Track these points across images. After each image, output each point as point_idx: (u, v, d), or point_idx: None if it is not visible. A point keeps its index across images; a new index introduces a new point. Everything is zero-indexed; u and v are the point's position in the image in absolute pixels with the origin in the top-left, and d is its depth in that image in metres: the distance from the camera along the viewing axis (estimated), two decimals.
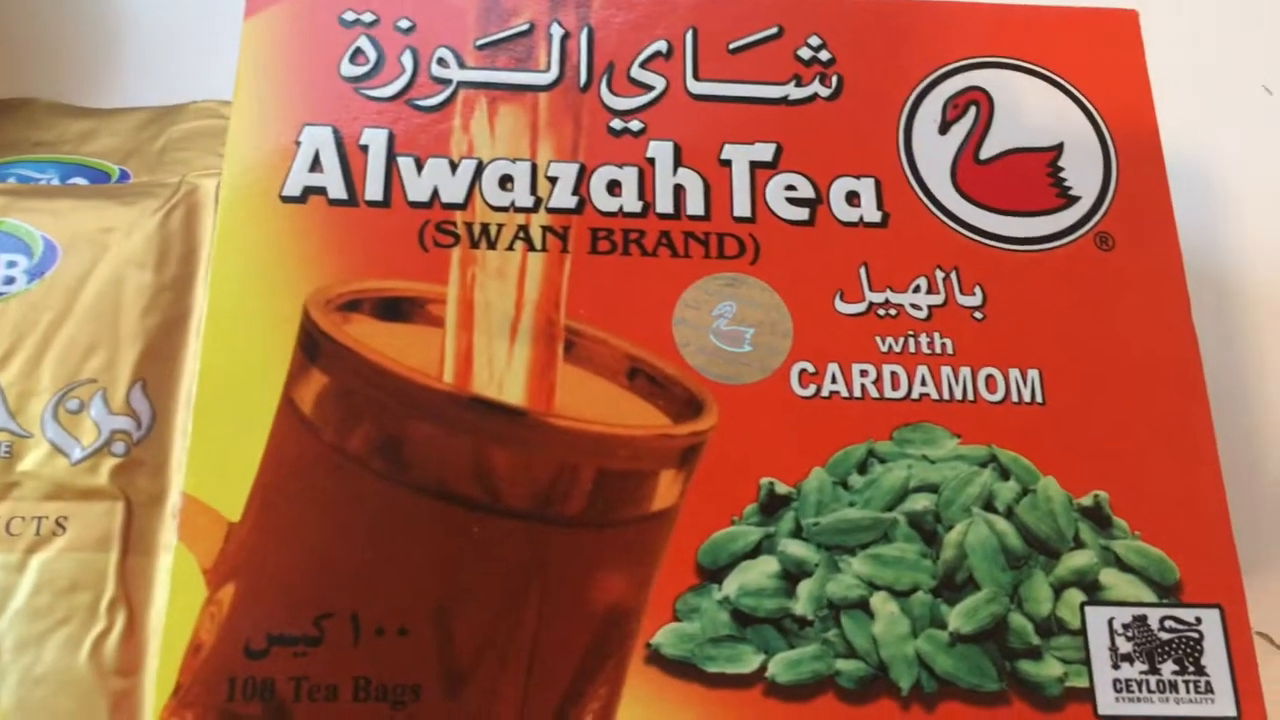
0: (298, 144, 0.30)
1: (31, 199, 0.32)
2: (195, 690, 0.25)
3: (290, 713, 0.25)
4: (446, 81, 0.31)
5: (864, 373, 0.29)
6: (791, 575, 0.27)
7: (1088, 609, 0.27)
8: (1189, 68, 0.42)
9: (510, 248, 0.29)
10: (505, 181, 0.30)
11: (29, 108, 0.40)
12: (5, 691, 0.27)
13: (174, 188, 0.33)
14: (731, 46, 0.32)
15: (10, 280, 0.31)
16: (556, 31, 0.31)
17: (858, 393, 0.28)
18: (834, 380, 0.29)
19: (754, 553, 0.27)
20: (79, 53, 0.42)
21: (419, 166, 0.30)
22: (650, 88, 0.31)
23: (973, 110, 0.32)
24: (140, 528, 0.29)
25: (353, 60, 0.31)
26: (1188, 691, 0.26)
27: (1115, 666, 0.26)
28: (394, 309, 0.28)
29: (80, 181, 0.37)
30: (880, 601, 0.27)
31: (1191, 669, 0.27)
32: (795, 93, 0.31)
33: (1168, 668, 0.27)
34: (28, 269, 0.31)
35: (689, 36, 0.32)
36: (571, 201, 0.30)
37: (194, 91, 0.40)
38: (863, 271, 0.30)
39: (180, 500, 0.26)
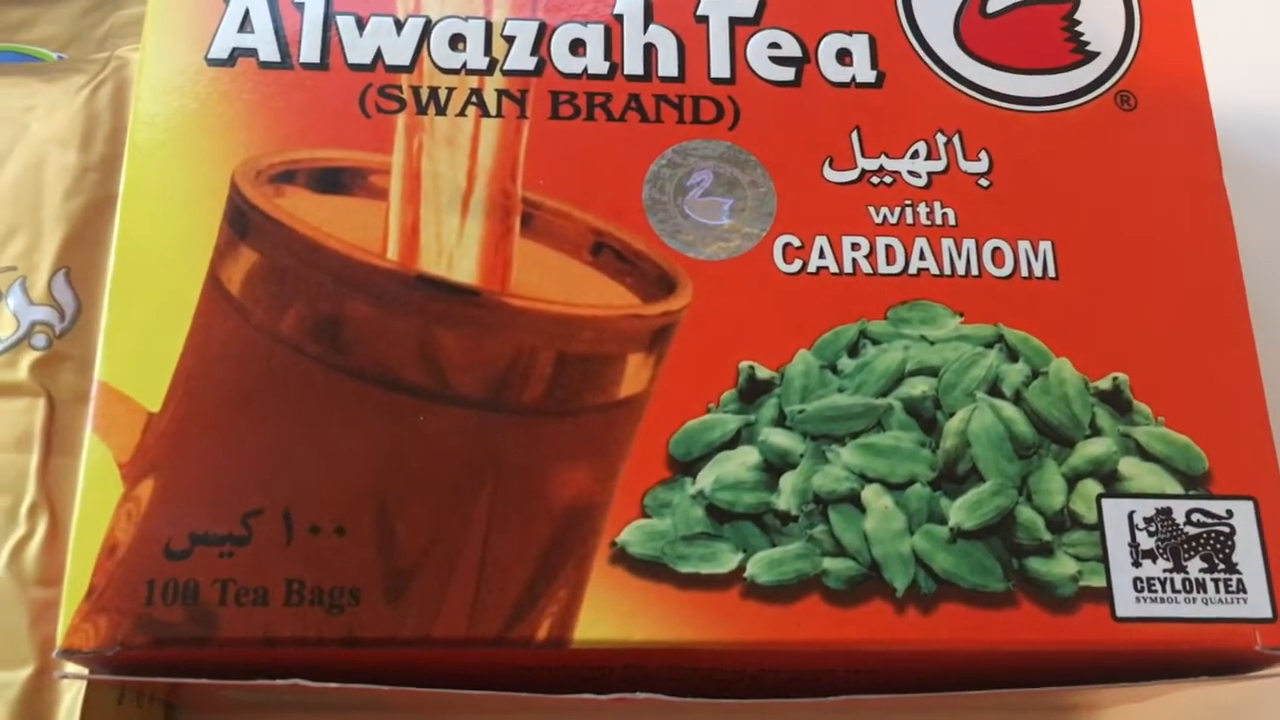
0: (225, 2, 0.27)
1: None
2: (110, 594, 0.22)
3: (215, 617, 0.22)
4: None
5: (855, 246, 0.26)
6: (774, 467, 0.24)
7: (1105, 501, 0.24)
8: None
9: (462, 113, 0.26)
10: (456, 41, 0.27)
11: None
12: None
13: (102, 63, 0.30)
14: None
15: None
16: None
17: (848, 268, 0.26)
18: (822, 255, 0.26)
19: (732, 443, 0.24)
20: None
21: (360, 26, 0.27)
22: None
23: None
24: (63, 427, 0.27)
25: None
26: (1217, 591, 0.24)
27: (1136, 564, 0.24)
28: (332, 181, 0.26)
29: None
30: (873, 495, 0.24)
31: (1222, 566, 0.24)
32: None
33: (1195, 565, 0.24)
34: None
35: None
36: (530, 63, 0.27)
37: None
38: (854, 136, 0.27)
39: (95, 389, 0.24)
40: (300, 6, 0.27)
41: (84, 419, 0.27)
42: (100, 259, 0.28)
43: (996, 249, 0.26)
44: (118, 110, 0.29)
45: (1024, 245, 0.26)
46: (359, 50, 0.27)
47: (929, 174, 0.26)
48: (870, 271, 0.26)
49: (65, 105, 0.29)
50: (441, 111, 0.26)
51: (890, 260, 0.26)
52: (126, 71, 0.30)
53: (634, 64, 0.27)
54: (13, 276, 0.27)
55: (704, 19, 0.28)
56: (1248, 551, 0.24)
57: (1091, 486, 0.24)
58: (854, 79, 0.27)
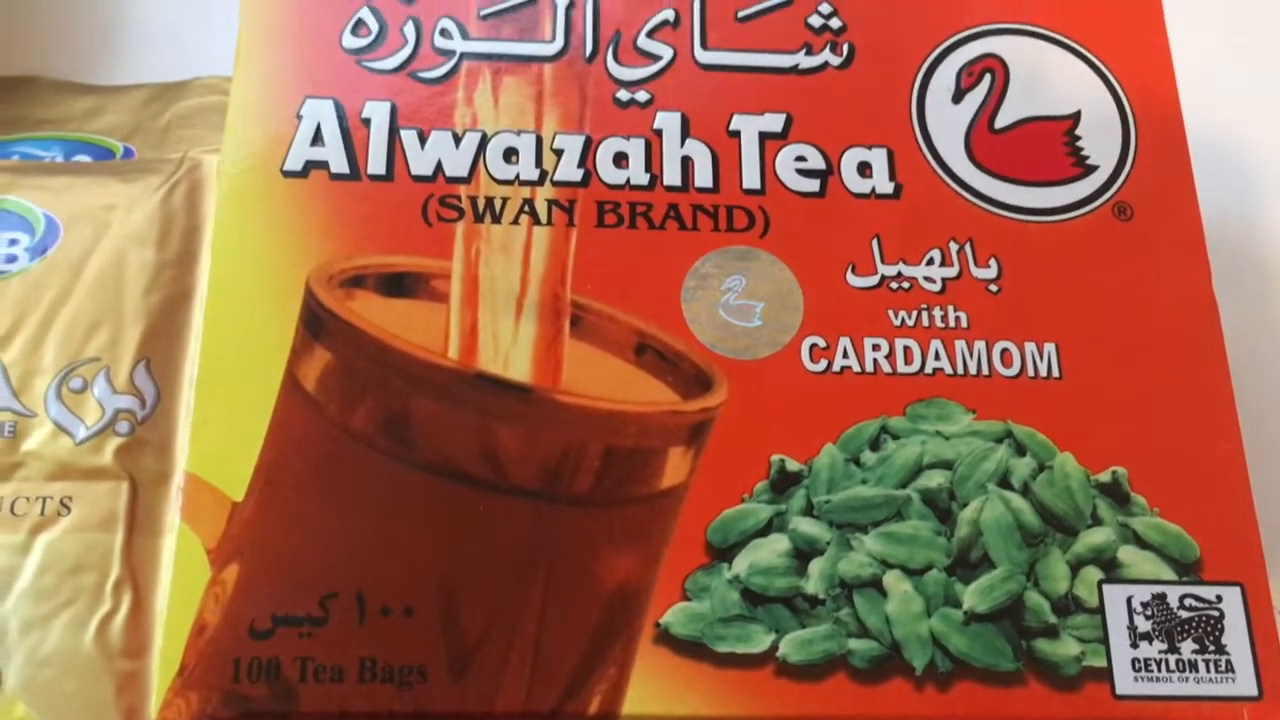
0: (299, 117, 0.29)
1: (33, 176, 0.32)
2: (200, 672, 0.25)
3: (296, 694, 0.25)
4: (450, 53, 0.30)
5: (876, 347, 0.28)
6: (803, 553, 0.26)
7: (1106, 587, 0.26)
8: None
9: (515, 222, 0.29)
10: (510, 154, 0.29)
11: (33, 85, 0.39)
12: (12, 673, 0.27)
13: (176, 164, 0.32)
14: (740, 14, 0.31)
15: (12, 259, 0.30)
16: (561, 1, 0.31)
17: (870, 367, 0.28)
18: (846, 355, 0.28)
19: (765, 531, 0.27)
20: (83, 30, 0.41)
21: (422, 140, 0.29)
22: (657, 57, 0.30)
23: (987, 78, 0.31)
24: (145, 508, 0.29)
25: (354, 32, 0.30)
26: (1208, 671, 0.26)
27: (1134, 645, 0.26)
28: (398, 285, 0.28)
29: (84, 158, 0.36)
30: (893, 580, 0.26)
31: (1212, 648, 0.26)
32: (805, 61, 0.31)
33: (1187, 647, 0.26)
34: (30, 246, 0.31)
35: (696, 4, 0.31)
36: (577, 174, 0.29)
37: (198, 68, 0.40)
38: (875, 244, 0.29)
39: (183, 479, 0.26)
40: (367, 122, 0.29)
41: (163, 500, 0.29)
42: (176, 350, 0.30)
43: (1005, 350, 0.28)
44: (192, 209, 0.32)
45: (1030, 347, 0.28)
46: (421, 162, 0.29)
47: (943, 280, 0.29)
48: (890, 371, 0.28)
49: (143, 204, 0.31)
50: (497, 220, 0.29)
51: (908, 360, 0.28)
52: (199, 172, 0.32)
53: (673, 175, 0.29)
54: (98, 367, 0.30)
55: (736, 134, 0.30)
56: (1236, 634, 0.26)
57: (1093, 573, 0.27)
58: (874, 190, 0.30)
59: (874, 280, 0.29)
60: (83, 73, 0.40)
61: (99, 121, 0.38)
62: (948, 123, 0.30)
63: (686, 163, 0.30)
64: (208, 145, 0.35)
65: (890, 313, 0.28)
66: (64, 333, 0.30)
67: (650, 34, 0.31)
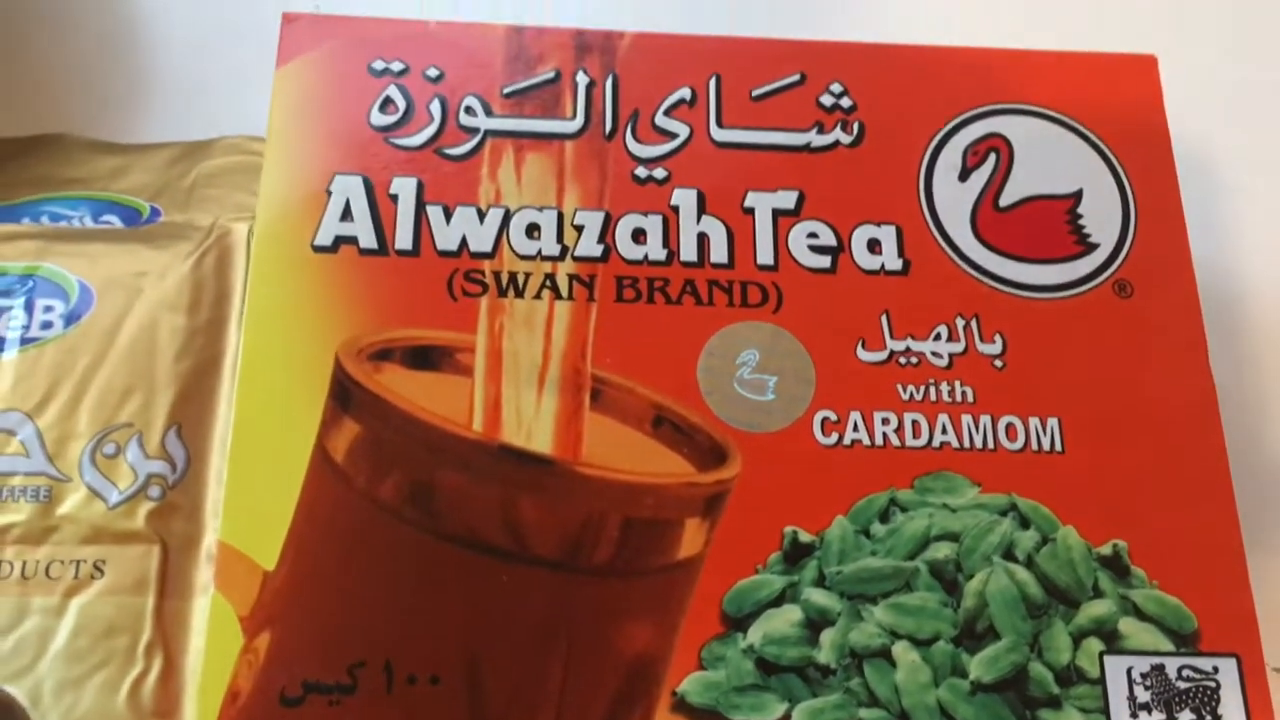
0: (329, 193, 0.30)
1: (66, 243, 0.33)
2: None
3: None
4: (474, 130, 0.31)
5: (885, 421, 0.29)
6: (815, 624, 0.27)
7: (1106, 658, 0.27)
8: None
9: (537, 296, 0.30)
10: (532, 230, 0.30)
11: (61, 144, 0.40)
12: None
13: (206, 231, 0.33)
14: (754, 93, 0.32)
15: (48, 325, 0.31)
16: (582, 79, 0.32)
17: (879, 441, 0.29)
18: (856, 428, 0.29)
19: (778, 601, 0.27)
20: (109, 87, 0.42)
21: (447, 215, 0.30)
22: (674, 135, 0.31)
23: (992, 157, 0.32)
24: (175, 571, 0.30)
25: (382, 109, 0.31)
26: None
27: (1134, 715, 0.27)
28: (424, 358, 0.29)
29: (112, 218, 0.37)
30: (902, 650, 0.27)
31: (1209, 718, 0.27)
32: (817, 140, 0.32)
33: (1185, 717, 0.27)
34: (64, 313, 0.31)
35: (712, 84, 0.32)
36: (597, 250, 0.30)
37: (222, 126, 0.41)
38: (884, 319, 0.30)
39: (216, 548, 0.27)
40: (394, 197, 0.30)
41: (193, 563, 0.30)
42: (206, 415, 0.31)
43: (1010, 424, 0.29)
44: (221, 276, 0.33)
45: (1034, 421, 0.29)
46: (446, 237, 0.30)
47: (950, 355, 0.30)
48: (899, 444, 0.29)
49: (175, 271, 0.32)
50: (520, 295, 0.30)
51: (916, 434, 0.29)
52: (228, 240, 0.33)
53: (689, 251, 0.30)
54: (130, 432, 0.30)
55: (750, 210, 0.31)
56: (1231, 704, 0.27)
57: (1094, 644, 0.27)
58: (883, 266, 0.31)
59: (883, 355, 0.30)
60: (108, 131, 0.41)
61: (125, 181, 0.39)
62: (954, 200, 0.32)
63: (702, 239, 0.31)
64: (233, 206, 0.36)
65: (899, 387, 0.29)
66: (98, 398, 0.31)
67: (668, 112, 0.32)
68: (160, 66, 0.43)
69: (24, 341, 0.31)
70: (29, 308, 0.31)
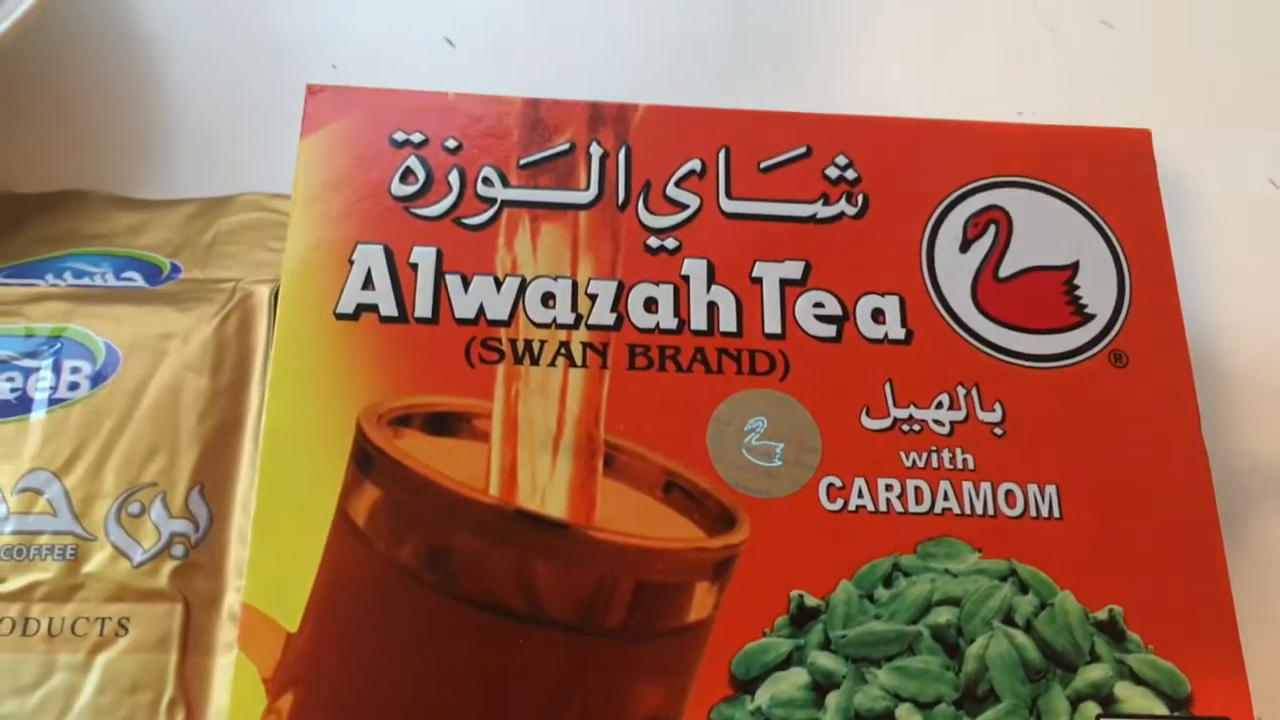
0: (351, 262, 0.31)
1: (93, 304, 0.34)
2: None
3: None
4: (491, 200, 0.32)
5: (889, 487, 0.30)
6: (821, 686, 0.28)
7: None
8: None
9: (552, 364, 0.31)
10: (547, 299, 0.31)
11: (82, 200, 0.41)
12: None
13: (229, 293, 0.34)
14: (762, 165, 0.33)
15: (74, 385, 0.32)
16: (596, 151, 0.33)
17: (883, 507, 0.30)
18: (860, 495, 0.30)
19: (785, 664, 0.28)
20: (128, 142, 0.43)
21: (465, 284, 0.31)
22: (685, 206, 0.33)
23: (992, 229, 0.33)
24: (198, 628, 0.30)
25: (403, 180, 0.32)
26: None
27: None
28: (442, 424, 0.30)
29: (133, 275, 0.38)
30: (905, 713, 0.28)
31: None
32: (823, 211, 0.33)
33: None
34: (91, 375, 0.32)
35: (722, 156, 0.33)
36: (610, 318, 0.31)
37: (241, 182, 0.42)
38: (887, 388, 0.31)
39: (240, 609, 0.28)
40: (414, 266, 0.31)
41: (214, 621, 0.31)
42: (228, 475, 0.32)
43: (1009, 491, 0.30)
44: (243, 338, 0.34)
45: (1033, 488, 0.30)
46: (464, 306, 0.31)
47: (951, 423, 0.31)
48: (902, 510, 0.30)
49: (199, 333, 0.33)
50: (535, 362, 0.31)
51: (919, 500, 0.30)
52: (250, 302, 0.34)
53: (699, 320, 0.31)
54: (154, 492, 0.31)
55: (758, 280, 0.32)
56: None
57: (1091, 708, 0.28)
58: (887, 335, 0.32)
59: (887, 423, 0.31)
60: (127, 186, 0.42)
61: (145, 237, 0.40)
62: (955, 271, 0.33)
63: (712, 308, 0.32)
64: (252, 263, 0.37)
65: (902, 454, 0.30)
66: (123, 459, 0.31)
67: (679, 183, 0.33)
68: (178, 121, 0.44)
69: (52, 402, 0.32)
70: (56, 369, 0.32)
